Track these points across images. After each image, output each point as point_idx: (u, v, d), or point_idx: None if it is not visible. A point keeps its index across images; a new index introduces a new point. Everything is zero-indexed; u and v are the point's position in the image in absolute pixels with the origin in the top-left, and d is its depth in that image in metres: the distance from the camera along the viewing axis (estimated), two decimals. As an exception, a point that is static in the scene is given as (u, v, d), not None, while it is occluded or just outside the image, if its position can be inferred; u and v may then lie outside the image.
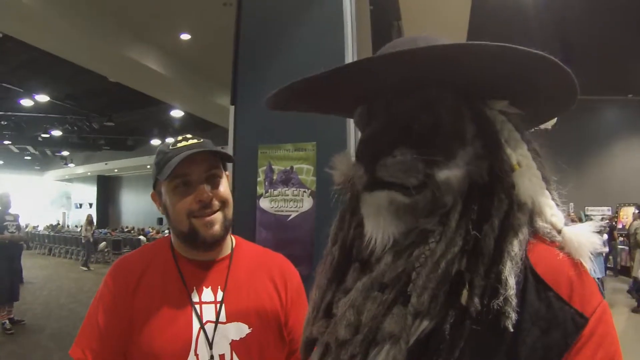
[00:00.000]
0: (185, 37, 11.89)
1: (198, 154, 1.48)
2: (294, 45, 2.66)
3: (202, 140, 1.58)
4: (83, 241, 19.05)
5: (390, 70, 0.84)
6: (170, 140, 1.60)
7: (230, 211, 1.57)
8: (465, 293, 0.77)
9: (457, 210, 0.83)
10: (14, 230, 8.38)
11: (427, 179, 0.84)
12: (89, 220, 19.22)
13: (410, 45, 0.84)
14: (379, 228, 0.87)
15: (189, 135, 1.59)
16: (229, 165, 1.75)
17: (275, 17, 2.74)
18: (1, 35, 10.84)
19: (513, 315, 0.74)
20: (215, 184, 1.53)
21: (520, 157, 0.88)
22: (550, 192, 0.90)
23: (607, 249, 9.44)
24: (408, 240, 0.86)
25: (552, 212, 0.88)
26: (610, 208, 18.06)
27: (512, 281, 0.76)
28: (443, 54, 0.79)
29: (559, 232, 0.86)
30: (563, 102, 0.95)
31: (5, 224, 8.27)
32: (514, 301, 0.75)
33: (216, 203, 1.51)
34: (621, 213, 17.30)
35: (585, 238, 0.84)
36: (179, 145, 1.53)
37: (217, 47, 10.27)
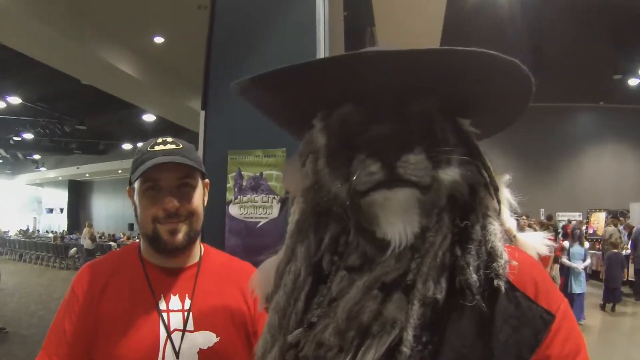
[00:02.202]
0: (158, 40, 11.82)
1: (169, 163, 1.47)
2: (266, 50, 2.64)
3: (181, 145, 1.56)
4: (85, 247, 18.86)
5: (388, 69, 0.85)
6: (151, 140, 1.58)
7: (197, 222, 1.55)
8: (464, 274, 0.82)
9: (448, 208, 0.89)
10: None
11: (433, 180, 0.86)
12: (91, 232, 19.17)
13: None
14: (406, 226, 0.86)
15: (169, 139, 1.56)
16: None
17: (248, 22, 2.72)
18: (-28, 37, 10.65)
19: (504, 279, 0.83)
20: (185, 194, 1.51)
21: (487, 170, 0.94)
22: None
23: (588, 262, 9.55)
24: (414, 243, 0.87)
25: (508, 219, 0.98)
26: (581, 213, 18.31)
27: (504, 251, 0.85)
28: (441, 58, 0.83)
29: (514, 237, 0.99)
30: (517, 106, 1.00)
31: None
32: (507, 267, 0.84)
33: (182, 213, 1.49)
34: (592, 218, 17.55)
35: (534, 244, 0.99)
36: (156, 148, 1.52)
37: (190, 51, 10.19)
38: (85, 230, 19.87)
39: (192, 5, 8.93)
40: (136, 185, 1.51)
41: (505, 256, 0.84)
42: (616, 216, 15.52)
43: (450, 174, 0.88)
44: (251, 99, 1.02)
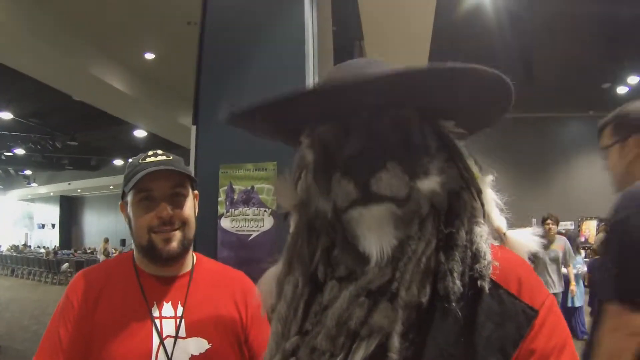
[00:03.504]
0: (149, 56, 11.81)
1: (163, 171, 1.51)
2: (256, 65, 2.68)
3: (171, 157, 1.60)
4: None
5: (365, 93, 0.87)
6: (142, 154, 1.62)
7: (190, 231, 1.58)
8: (446, 280, 0.85)
9: (431, 216, 0.91)
10: None
11: (411, 191, 0.89)
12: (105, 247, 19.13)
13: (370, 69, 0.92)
14: (382, 240, 0.88)
15: (159, 152, 1.61)
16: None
17: (237, 38, 2.75)
18: (-38, 51, 10.63)
19: (488, 279, 0.85)
20: (178, 202, 1.54)
21: (471, 174, 0.96)
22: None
23: (584, 269, 9.34)
24: (395, 252, 0.89)
25: (498, 217, 0.99)
26: (573, 222, 18.35)
27: (488, 252, 0.88)
28: (415, 77, 0.85)
29: (504, 234, 1.00)
30: (498, 108, 1.00)
31: None
32: (490, 267, 0.86)
33: (177, 222, 1.53)
34: (583, 226, 17.59)
35: (524, 240, 1.00)
36: (148, 160, 1.56)
37: (181, 66, 10.21)
38: (101, 245, 19.89)
39: (182, 21, 8.96)
40: (129, 197, 1.54)
41: (489, 257, 0.87)
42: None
43: (428, 183, 0.90)
44: (237, 126, 1.05)
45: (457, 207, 0.92)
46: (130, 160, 1.63)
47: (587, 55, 12.58)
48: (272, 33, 2.72)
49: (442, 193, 0.92)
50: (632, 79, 14.66)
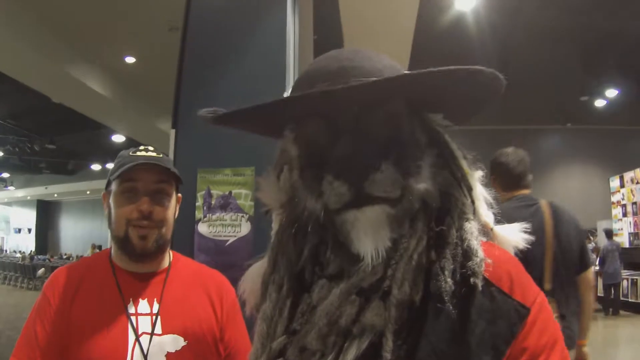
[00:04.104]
0: (130, 60, 11.73)
1: (151, 165, 1.51)
2: (237, 71, 2.69)
3: (162, 155, 1.61)
4: None
5: (352, 96, 0.87)
6: (133, 147, 1.62)
7: (167, 231, 1.58)
8: (438, 278, 0.83)
9: (422, 213, 0.89)
10: None
11: (404, 190, 0.87)
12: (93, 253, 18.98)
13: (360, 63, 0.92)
14: (377, 243, 0.87)
15: (151, 147, 1.62)
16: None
17: (219, 43, 2.77)
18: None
19: (480, 277, 0.83)
20: (160, 199, 1.54)
21: (462, 170, 0.94)
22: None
23: None
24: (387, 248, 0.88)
25: (485, 213, 0.97)
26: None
27: (479, 249, 0.86)
28: (407, 81, 0.86)
29: (491, 230, 0.98)
30: (484, 98, 0.99)
31: None
32: (482, 264, 0.84)
33: (155, 218, 1.52)
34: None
35: (511, 236, 0.99)
36: (138, 153, 1.56)
37: (161, 71, 10.14)
38: (89, 251, 19.78)
39: (164, 26, 8.93)
40: (113, 186, 1.54)
41: (481, 254, 0.85)
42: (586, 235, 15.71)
43: (421, 183, 0.89)
44: (218, 124, 1.04)
45: (447, 204, 0.91)
46: (121, 152, 1.63)
47: (565, 69, 12.74)
48: (253, 40, 2.73)
49: (435, 191, 0.91)
50: (610, 92, 14.87)
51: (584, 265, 3.03)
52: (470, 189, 0.93)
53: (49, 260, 23.39)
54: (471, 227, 0.89)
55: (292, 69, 2.69)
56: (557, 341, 0.87)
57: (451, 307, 0.82)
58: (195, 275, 1.70)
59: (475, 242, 0.87)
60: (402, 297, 0.83)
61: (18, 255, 26.74)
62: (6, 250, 35.39)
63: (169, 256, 1.67)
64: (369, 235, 0.88)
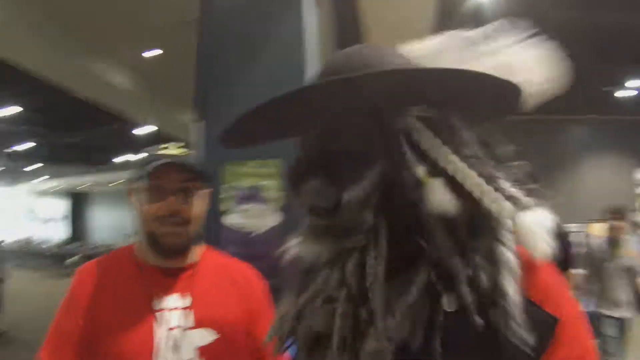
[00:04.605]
0: (151, 53, 11.79)
1: (176, 164, 1.51)
2: (258, 63, 2.68)
3: (188, 152, 1.62)
4: None
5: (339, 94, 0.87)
6: (158, 145, 1.63)
7: (196, 226, 1.58)
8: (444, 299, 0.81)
9: (383, 227, 0.85)
10: None
11: (338, 201, 0.86)
12: None
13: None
14: (303, 249, 0.94)
15: (177, 144, 1.62)
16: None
17: (239, 35, 2.77)
18: (-30, 47, 10.68)
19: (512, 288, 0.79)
20: (187, 197, 1.54)
21: (447, 164, 0.85)
22: (496, 182, 0.86)
23: None
24: (337, 258, 0.88)
25: (501, 205, 0.84)
26: (579, 225, 18.26)
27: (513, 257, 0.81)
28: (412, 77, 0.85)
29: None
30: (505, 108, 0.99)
31: None
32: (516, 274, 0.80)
33: (183, 215, 1.52)
34: (589, 229, 17.51)
35: (538, 228, 0.84)
36: (164, 151, 1.57)
37: (181, 64, 10.13)
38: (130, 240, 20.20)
39: (183, 19, 8.97)
40: (140, 185, 1.54)
41: (513, 262, 0.80)
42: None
43: (351, 194, 0.85)
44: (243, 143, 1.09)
45: (404, 221, 0.85)
46: (146, 149, 1.64)
47: (588, 60, 12.56)
48: (272, 31, 2.73)
49: (376, 201, 0.86)
50: (633, 83, 14.70)
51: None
52: (419, 201, 0.84)
53: (79, 249, 23.73)
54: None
55: (311, 60, 2.68)
56: (588, 354, 0.84)
57: (478, 319, 0.78)
58: (225, 268, 1.70)
59: (509, 251, 0.81)
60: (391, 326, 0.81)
61: (48, 244, 27.19)
62: (36, 240, 35.97)
63: (199, 250, 1.67)
64: (301, 245, 0.95)
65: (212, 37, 2.83)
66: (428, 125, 0.87)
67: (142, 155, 1.61)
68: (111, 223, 32.92)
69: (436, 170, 0.85)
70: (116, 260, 1.63)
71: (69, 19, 9.91)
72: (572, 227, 17.85)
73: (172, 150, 1.59)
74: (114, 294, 1.53)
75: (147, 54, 11.73)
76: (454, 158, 0.85)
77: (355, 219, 0.85)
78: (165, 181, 1.51)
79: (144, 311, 1.50)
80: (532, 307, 0.80)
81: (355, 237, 0.86)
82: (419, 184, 0.84)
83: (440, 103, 0.87)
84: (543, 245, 0.82)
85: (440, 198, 0.83)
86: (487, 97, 0.91)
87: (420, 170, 0.85)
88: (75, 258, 20.10)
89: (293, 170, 0.92)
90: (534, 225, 0.83)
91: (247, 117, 0.93)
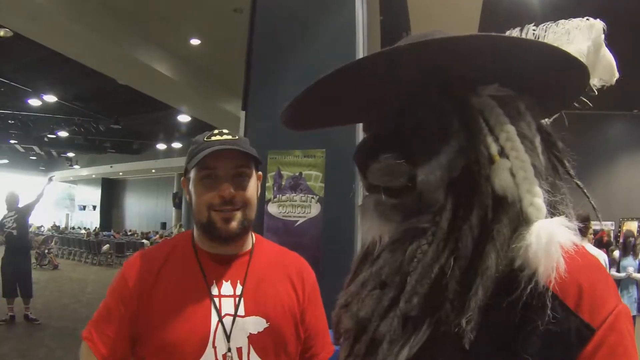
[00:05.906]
0: (195, 42, 11.89)
1: (228, 150, 1.51)
2: (306, 53, 2.68)
3: (237, 137, 1.61)
4: None
5: (407, 63, 0.83)
6: (207, 132, 1.63)
7: (251, 211, 1.58)
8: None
9: (448, 209, 0.81)
10: (13, 226, 8.50)
11: (411, 180, 0.84)
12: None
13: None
14: (366, 228, 0.92)
15: (225, 130, 1.61)
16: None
17: (288, 26, 2.77)
18: (12, 34, 10.86)
19: (470, 336, 0.72)
20: (241, 182, 1.54)
21: (507, 142, 0.82)
22: (540, 181, 0.81)
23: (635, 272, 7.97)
24: (401, 238, 0.85)
25: (532, 201, 0.78)
26: (613, 222, 17.97)
27: (474, 304, 0.73)
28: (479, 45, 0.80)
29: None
30: (570, 96, 0.99)
31: (3, 221, 8.49)
32: (472, 323, 0.72)
33: (238, 201, 1.53)
34: (624, 227, 17.21)
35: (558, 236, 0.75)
36: (213, 138, 1.56)
37: (226, 53, 10.34)
38: (176, 230, 20.82)
39: (229, 8, 9.02)
40: (192, 174, 1.55)
41: (492, 270, 0.74)
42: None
43: (426, 172, 0.83)
44: (304, 124, 1.08)
45: (471, 202, 0.81)
46: (195, 137, 1.64)
47: (632, 55, 12.29)
48: (322, 21, 2.72)
49: (439, 181, 0.83)
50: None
51: None
52: (486, 180, 0.81)
53: (114, 237, 24.11)
54: (499, 230, 0.77)
55: (361, 51, 2.67)
56: None
57: (498, 321, 0.73)
58: (277, 257, 1.71)
59: (493, 257, 0.75)
60: (408, 311, 0.78)
61: (83, 231, 27.67)
62: (73, 227, 36.61)
63: (252, 238, 1.68)
64: (365, 224, 0.92)
65: (262, 27, 2.84)
66: (499, 104, 0.84)
67: (181, 143, 1.61)
68: (146, 210, 33.38)
69: (503, 150, 0.81)
70: (174, 246, 1.64)
71: (114, 5, 10.04)
72: (606, 224, 17.62)
73: (222, 136, 1.58)
74: (171, 280, 1.54)
75: (194, 42, 11.82)
76: (515, 139, 0.82)
77: (429, 197, 0.83)
78: (217, 169, 1.52)
79: (202, 297, 1.51)
80: (565, 312, 0.71)
81: (425, 216, 0.83)
82: (490, 162, 0.81)
83: (512, 82, 0.85)
84: (547, 258, 0.72)
85: (505, 178, 0.79)
86: (557, 77, 0.88)
87: (494, 148, 0.82)
88: (108, 246, 20.41)
89: (363, 148, 0.91)
90: (547, 236, 0.73)
91: (309, 92, 0.89)
